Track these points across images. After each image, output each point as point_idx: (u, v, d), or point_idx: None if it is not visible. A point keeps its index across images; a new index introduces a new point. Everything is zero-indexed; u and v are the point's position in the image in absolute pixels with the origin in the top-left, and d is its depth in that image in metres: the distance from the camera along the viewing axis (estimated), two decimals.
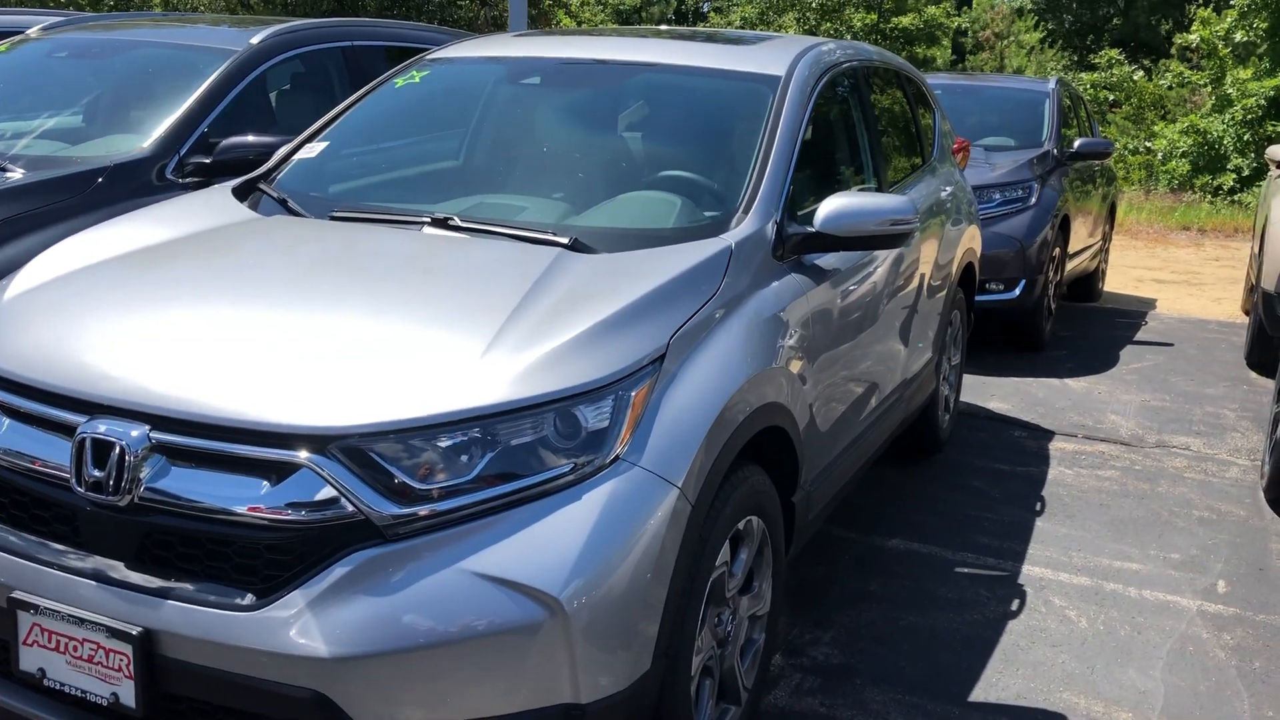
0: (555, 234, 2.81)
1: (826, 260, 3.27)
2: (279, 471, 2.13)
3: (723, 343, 2.60)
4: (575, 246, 2.75)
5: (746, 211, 3.01)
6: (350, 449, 2.11)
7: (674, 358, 2.43)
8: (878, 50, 4.93)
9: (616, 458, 2.24)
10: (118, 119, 4.67)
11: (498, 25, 18.65)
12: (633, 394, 2.30)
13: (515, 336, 2.31)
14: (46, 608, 2.20)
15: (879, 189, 4.04)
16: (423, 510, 2.11)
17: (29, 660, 2.24)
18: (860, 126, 4.07)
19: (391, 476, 2.12)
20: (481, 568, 2.09)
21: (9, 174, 4.00)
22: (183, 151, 4.33)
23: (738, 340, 2.66)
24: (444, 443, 2.16)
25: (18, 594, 2.23)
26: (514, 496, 2.15)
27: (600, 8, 26.06)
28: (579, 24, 23.49)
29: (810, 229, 3.10)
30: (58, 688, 2.23)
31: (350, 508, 2.10)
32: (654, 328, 2.43)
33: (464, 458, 2.16)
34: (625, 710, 2.24)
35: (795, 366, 2.94)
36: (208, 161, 4.30)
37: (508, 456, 2.18)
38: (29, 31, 5.49)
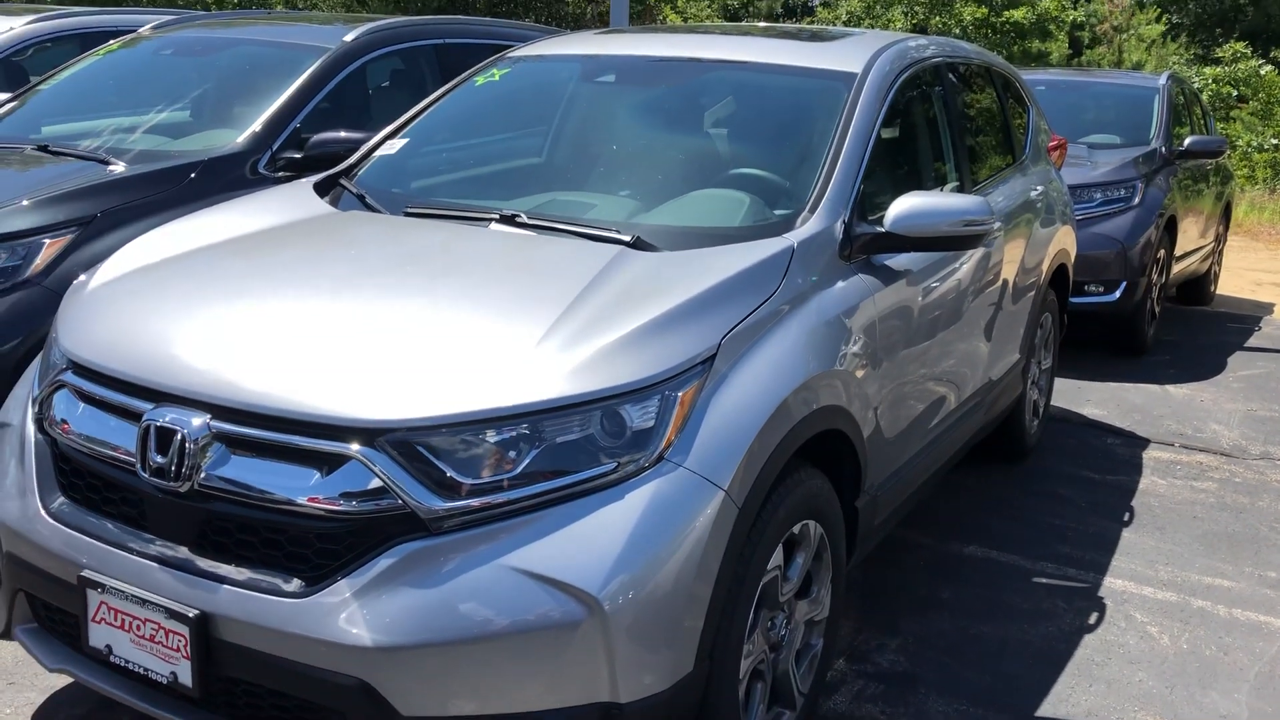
0: (619, 231, 2.82)
1: (899, 261, 3.22)
2: (330, 463, 2.18)
3: (779, 344, 2.57)
4: (637, 244, 2.75)
5: (813, 210, 2.97)
6: (399, 442, 2.15)
7: (725, 358, 2.41)
8: (971, 46, 4.82)
9: (661, 458, 2.24)
10: (217, 114, 4.83)
11: (603, 20, 18.76)
12: (679, 394, 2.29)
13: (565, 333, 2.32)
14: (112, 587, 2.29)
15: (962, 188, 3.95)
16: (467, 505, 2.14)
17: (97, 636, 2.34)
18: (944, 124, 3.99)
19: (438, 470, 2.15)
20: (523, 564, 2.11)
21: (111, 167, 4.17)
22: (275, 147, 4.45)
23: (796, 341, 2.63)
24: (491, 438, 2.18)
25: (87, 573, 2.33)
26: (557, 494, 2.17)
27: (707, 2, 26.00)
28: (684, 19, 23.47)
29: (880, 229, 3.05)
30: (123, 664, 2.32)
31: (398, 500, 2.14)
32: (706, 327, 2.42)
33: (510, 453, 2.18)
34: (666, 711, 2.23)
35: (859, 369, 2.90)
36: (299, 156, 4.41)
37: (553, 453, 2.19)
38: (141, 30, 5.72)
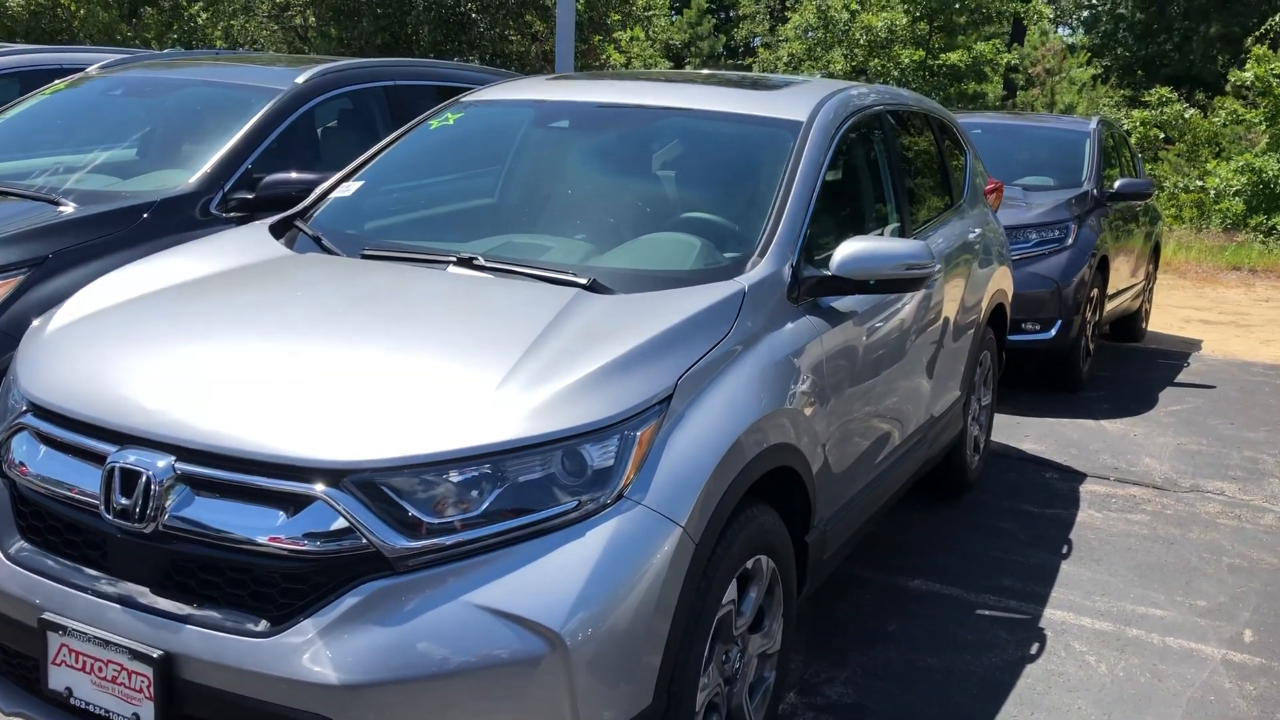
0: (575, 274, 2.89)
1: (845, 303, 3.32)
2: (296, 503, 2.21)
3: (732, 384, 2.66)
4: (593, 287, 2.82)
5: (763, 255, 3.07)
6: (363, 483, 2.20)
7: (681, 398, 2.49)
8: (910, 94, 4.99)
9: (620, 495, 2.30)
10: (167, 155, 4.84)
11: (547, 59, 18.93)
12: (638, 433, 2.36)
13: (526, 375, 2.39)
14: (74, 629, 2.30)
15: (903, 231, 4.08)
16: (431, 544, 2.18)
17: (57, 679, 2.34)
18: (885, 169, 4.12)
19: (403, 510, 2.20)
20: (486, 601, 2.16)
21: (61, 208, 4.16)
22: (227, 187, 4.47)
23: (748, 382, 2.72)
24: (454, 478, 2.23)
25: (48, 615, 2.33)
26: (520, 532, 2.23)
27: (649, 44, 26.33)
28: (627, 59, 23.76)
29: (826, 272, 3.15)
30: (84, 706, 2.32)
31: (363, 540, 2.18)
32: (662, 369, 2.50)
33: (473, 493, 2.23)
34: None
35: (808, 408, 2.99)
36: (251, 197, 4.43)
37: (515, 492, 2.25)
38: (89, 69, 5.71)
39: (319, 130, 5.17)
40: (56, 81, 5.59)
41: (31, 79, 6.42)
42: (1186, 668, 3.73)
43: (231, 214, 4.40)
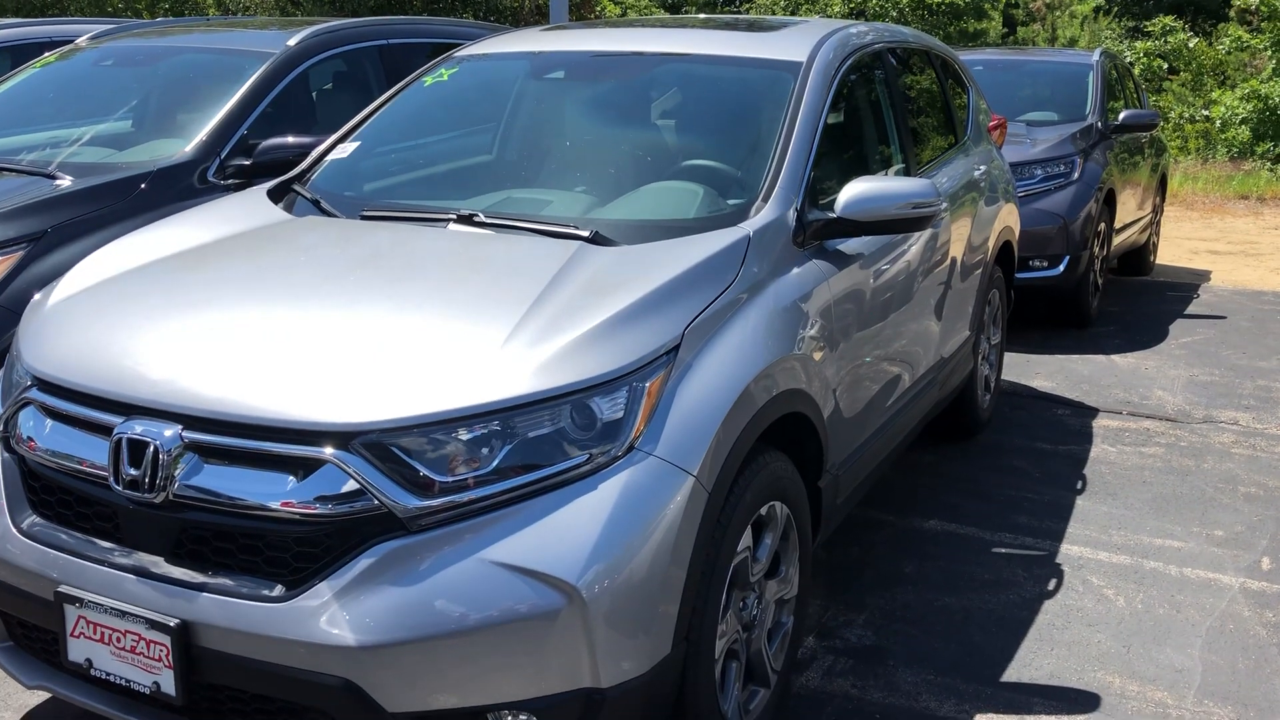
0: (577, 227, 2.86)
1: (851, 245, 3.29)
2: (305, 467, 2.20)
3: (740, 331, 2.63)
4: (596, 239, 2.79)
5: (766, 200, 3.03)
6: (373, 444, 2.18)
7: (689, 348, 2.47)
8: (910, 31, 4.91)
9: (631, 447, 2.29)
10: (162, 124, 4.80)
11: (541, 14, 18.70)
12: (647, 385, 2.34)
13: (532, 330, 2.36)
14: (90, 601, 2.30)
15: (908, 171, 4.03)
16: (443, 502, 2.17)
17: (77, 651, 2.35)
18: (888, 109, 4.06)
19: (413, 470, 2.18)
20: (501, 557, 2.16)
21: (58, 182, 4.13)
22: (223, 154, 4.44)
23: (756, 328, 2.69)
24: (464, 436, 2.22)
25: (64, 588, 2.33)
26: (532, 487, 2.21)
27: None
28: (623, 11, 23.48)
29: (831, 215, 3.11)
30: (104, 677, 2.33)
31: (374, 501, 2.17)
32: (669, 319, 2.47)
33: (483, 450, 2.22)
34: (646, 693, 2.29)
35: (817, 353, 2.97)
36: (248, 163, 4.40)
37: (525, 448, 2.23)
38: (78, 41, 5.66)
39: (314, 93, 5.12)
40: (46, 54, 5.53)
41: (22, 53, 6.37)
42: (1205, 597, 3.73)
43: (229, 180, 4.38)
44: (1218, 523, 4.33)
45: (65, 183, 4.12)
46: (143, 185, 4.14)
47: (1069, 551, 4.05)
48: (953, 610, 3.60)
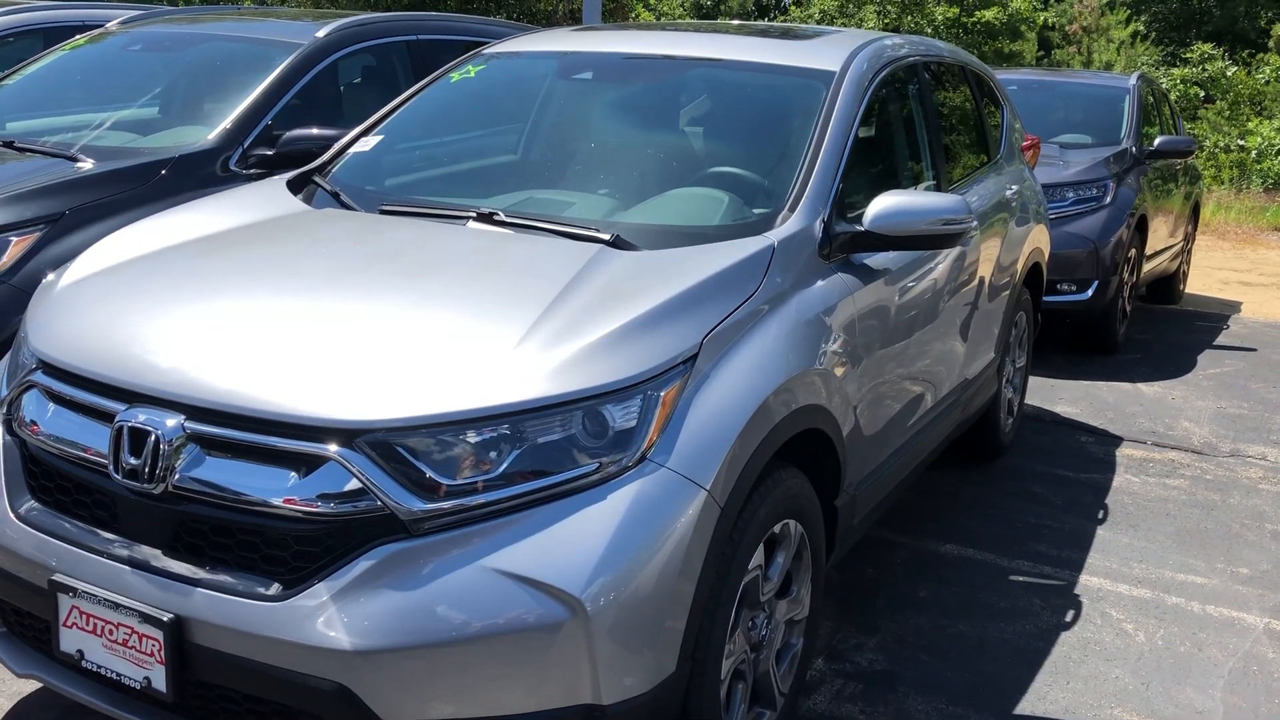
0: (597, 230, 2.79)
1: (878, 260, 3.21)
2: (308, 464, 2.14)
3: (760, 343, 2.56)
4: (616, 243, 2.73)
5: (793, 209, 2.96)
6: (377, 443, 2.12)
7: (707, 358, 2.40)
8: (946, 45, 4.83)
9: (643, 458, 2.22)
10: (187, 111, 4.78)
11: (575, 17, 18.70)
12: (661, 394, 2.27)
13: (547, 332, 2.30)
14: (84, 591, 2.25)
15: (938, 187, 3.96)
16: (447, 506, 2.11)
17: (69, 641, 2.29)
18: (920, 123, 3.99)
19: (418, 471, 2.12)
20: (504, 565, 2.09)
21: (79, 164, 4.11)
22: (246, 144, 4.41)
23: (776, 341, 2.62)
24: (471, 439, 2.15)
25: (58, 577, 2.28)
26: (539, 495, 2.15)
27: (679, 2, 25.98)
28: (657, 16, 23.45)
29: (859, 228, 3.04)
30: (95, 669, 2.27)
31: (376, 502, 2.11)
32: (687, 327, 2.40)
33: (491, 454, 2.15)
34: (648, 712, 2.22)
35: (839, 368, 2.89)
36: (270, 154, 4.36)
37: (534, 454, 2.17)
38: (109, 24, 5.64)
39: (341, 86, 5.09)
40: (77, 37, 5.52)
41: (55, 34, 6.37)
42: (1228, 637, 3.62)
43: (251, 170, 4.34)
44: (1243, 560, 4.22)
45: (86, 165, 4.09)
46: (163, 171, 4.11)
47: (1088, 583, 3.95)
48: (967, 638, 3.51)
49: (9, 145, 4.35)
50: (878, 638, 3.47)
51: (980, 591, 3.83)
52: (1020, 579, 3.95)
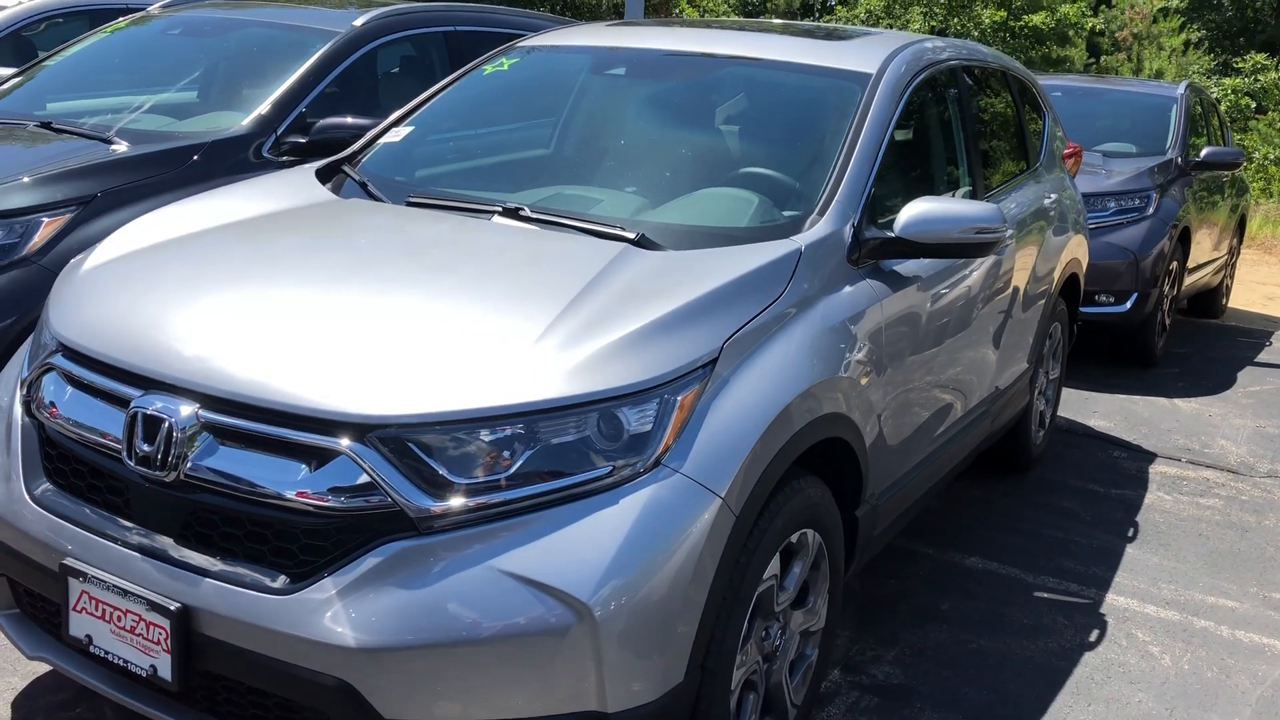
0: (623, 229, 2.76)
1: (908, 267, 3.16)
2: (320, 457, 2.12)
3: (783, 349, 2.52)
4: (642, 242, 2.69)
5: (823, 213, 2.92)
6: (390, 439, 2.10)
7: (727, 362, 2.36)
8: (989, 50, 4.75)
9: (658, 462, 2.18)
10: (223, 96, 4.78)
11: (618, 13, 18.67)
12: (679, 398, 2.24)
13: (565, 331, 2.27)
14: (94, 576, 2.24)
15: (975, 194, 3.89)
16: (457, 504, 2.08)
17: (78, 626, 2.29)
18: (958, 128, 3.92)
19: (430, 468, 2.10)
20: (513, 567, 2.06)
21: (114, 147, 4.12)
22: (280, 130, 4.40)
23: (800, 347, 2.57)
24: (485, 437, 2.13)
25: (70, 561, 2.28)
26: (550, 496, 2.12)
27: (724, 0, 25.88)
28: (701, 14, 23.37)
29: (890, 234, 2.99)
30: (103, 655, 2.27)
31: (387, 498, 2.08)
32: (708, 330, 2.37)
33: (504, 453, 2.13)
34: None
35: (864, 377, 2.84)
36: (304, 141, 4.36)
37: (547, 455, 2.14)
38: (151, 8, 5.68)
39: (378, 75, 5.08)
40: (119, 20, 5.56)
41: (99, 16, 6.42)
42: (1258, 664, 3.54)
43: (284, 157, 4.34)
44: (1276, 584, 4.12)
45: (121, 148, 4.10)
46: (195, 156, 4.11)
47: (1115, 602, 3.87)
48: (988, 654, 3.45)
49: (47, 126, 4.38)
50: (896, 650, 3.42)
51: (1003, 607, 3.76)
52: (1045, 595, 3.88)
